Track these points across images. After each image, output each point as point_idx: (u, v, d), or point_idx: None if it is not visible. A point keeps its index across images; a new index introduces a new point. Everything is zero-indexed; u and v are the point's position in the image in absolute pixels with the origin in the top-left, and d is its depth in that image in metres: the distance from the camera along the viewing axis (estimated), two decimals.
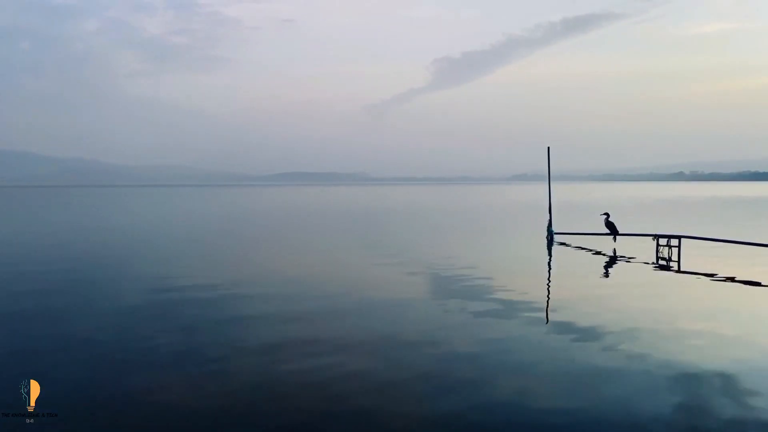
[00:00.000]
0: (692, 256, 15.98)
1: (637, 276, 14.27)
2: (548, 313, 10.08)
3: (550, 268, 15.78)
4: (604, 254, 17.57)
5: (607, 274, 14.65)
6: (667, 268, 14.98)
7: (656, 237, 17.18)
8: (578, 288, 12.57)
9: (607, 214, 19.60)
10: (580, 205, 50.39)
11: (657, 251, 16.61)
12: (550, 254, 18.08)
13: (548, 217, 20.96)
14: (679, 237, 16.58)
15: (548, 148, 21.59)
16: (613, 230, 19.11)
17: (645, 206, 49.15)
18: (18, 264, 16.44)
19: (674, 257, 15.87)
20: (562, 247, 19.46)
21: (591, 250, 18.40)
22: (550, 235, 20.46)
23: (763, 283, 12.50)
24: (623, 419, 5.63)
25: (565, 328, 8.88)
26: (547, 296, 11.76)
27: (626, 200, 61.21)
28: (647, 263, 15.63)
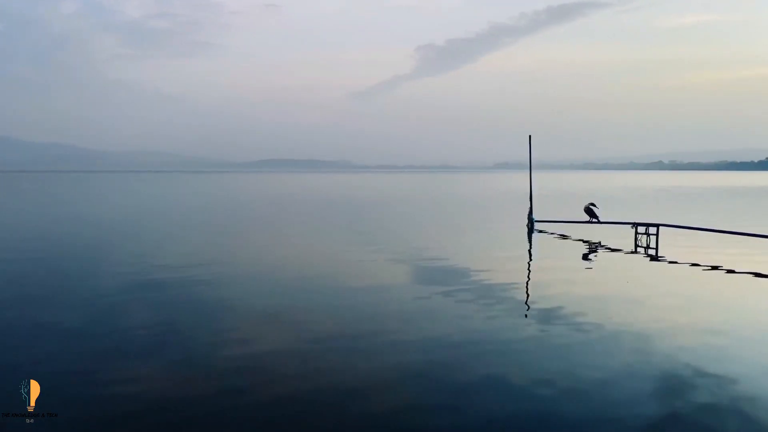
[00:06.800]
0: (670, 243, 16.20)
1: (615, 263, 14.45)
2: (527, 299, 10.13)
3: (530, 256, 15.88)
4: (583, 242, 17.72)
5: (585, 262, 14.78)
6: (645, 255, 15.16)
7: (635, 225, 17.38)
8: (557, 275, 12.64)
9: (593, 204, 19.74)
10: (561, 193, 50.79)
11: (635, 239, 16.81)
12: (530, 242, 18.19)
13: (529, 205, 21.05)
14: (657, 225, 16.81)
15: (530, 136, 21.62)
16: (591, 215, 19.30)
17: (624, 195, 49.70)
18: None
19: (652, 245, 16.09)
20: (543, 234, 19.58)
21: (571, 238, 18.55)
22: (531, 223, 20.56)
23: (738, 270, 12.70)
24: (600, 403, 5.67)
25: (542, 314, 8.92)
26: (526, 283, 11.82)
27: (606, 189, 61.85)
28: (625, 251, 15.81)
